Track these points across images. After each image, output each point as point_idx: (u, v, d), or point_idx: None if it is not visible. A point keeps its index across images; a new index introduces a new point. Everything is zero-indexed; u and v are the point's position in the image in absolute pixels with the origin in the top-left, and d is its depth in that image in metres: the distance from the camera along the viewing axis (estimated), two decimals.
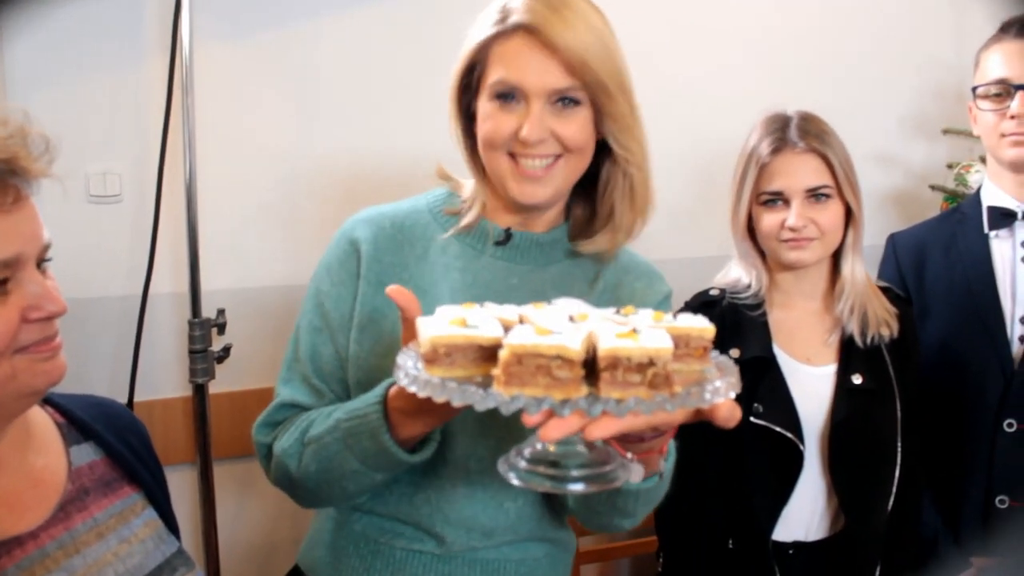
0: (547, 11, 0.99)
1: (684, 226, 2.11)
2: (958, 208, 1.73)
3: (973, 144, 2.10)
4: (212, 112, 1.73)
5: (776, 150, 1.42)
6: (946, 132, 2.29)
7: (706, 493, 1.46)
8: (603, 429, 0.69)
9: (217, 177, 1.75)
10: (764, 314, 1.47)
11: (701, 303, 1.48)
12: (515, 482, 0.77)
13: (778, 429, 1.39)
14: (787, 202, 1.42)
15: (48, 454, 0.92)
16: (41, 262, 0.84)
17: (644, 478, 0.94)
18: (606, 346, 0.68)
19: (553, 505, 1.16)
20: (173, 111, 1.67)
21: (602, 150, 1.08)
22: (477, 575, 1.11)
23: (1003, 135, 1.56)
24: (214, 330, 1.73)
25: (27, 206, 0.81)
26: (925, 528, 1.58)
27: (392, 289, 0.90)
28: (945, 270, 1.65)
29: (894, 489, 1.46)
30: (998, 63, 1.56)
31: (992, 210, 1.62)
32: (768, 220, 1.44)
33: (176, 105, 1.67)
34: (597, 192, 1.12)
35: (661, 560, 1.56)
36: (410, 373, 0.75)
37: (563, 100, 1.02)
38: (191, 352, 1.71)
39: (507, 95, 1.02)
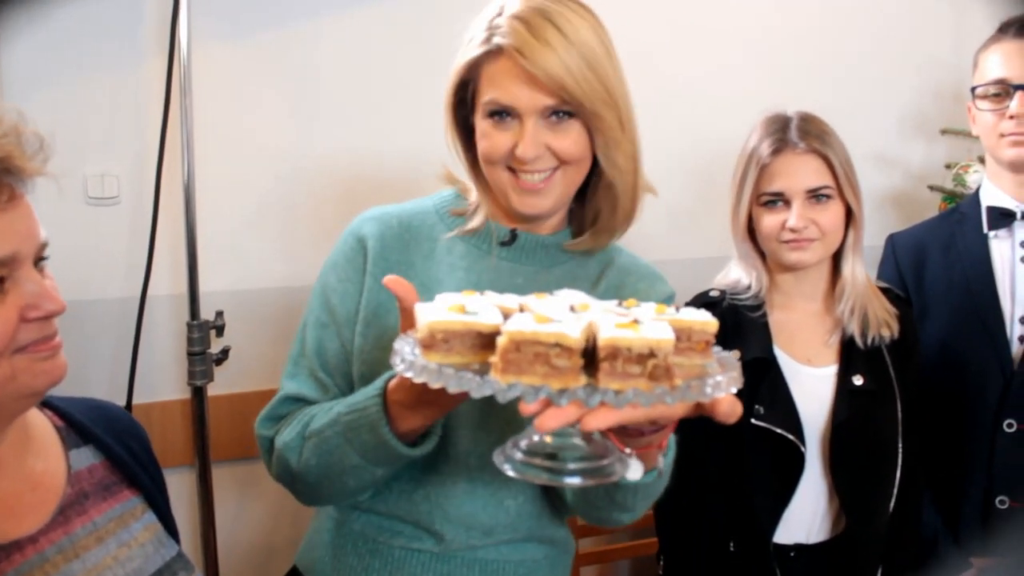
0: (527, 33, 0.99)
1: (684, 227, 2.11)
2: (957, 208, 1.73)
3: (972, 144, 2.10)
4: (211, 113, 1.72)
5: (777, 151, 1.42)
6: (945, 132, 2.29)
7: (707, 494, 1.45)
8: (600, 420, 0.68)
9: (216, 178, 1.75)
10: (764, 315, 1.47)
11: (701, 304, 1.47)
12: (510, 473, 0.76)
13: (779, 431, 1.39)
14: (788, 203, 1.42)
15: (47, 458, 0.91)
16: (39, 261, 0.84)
17: (643, 473, 0.93)
18: (606, 335, 0.67)
19: (553, 503, 1.16)
20: (171, 112, 1.66)
21: (596, 157, 1.09)
22: (476, 575, 1.11)
23: (1002, 135, 1.56)
24: (213, 332, 1.73)
25: (22, 204, 0.81)
26: (925, 528, 1.58)
27: (389, 279, 0.90)
28: (944, 270, 1.65)
29: (895, 490, 1.46)
30: (997, 63, 1.56)
31: (991, 210, 1.62)
32: (768, 221, 1.44)
33: (174, 106, 1.66)
34: (585, 197, 1.13)
35: (662, 563, 1.56)
36: (407, 359, 0.74)
37: (556, 114, 1.03)
38: (189, 354, 1.71)
39: (501, 113, 1.03)
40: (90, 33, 1.65)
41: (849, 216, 1.45)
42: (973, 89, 1.61)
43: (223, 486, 1.82)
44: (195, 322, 1.70)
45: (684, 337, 0.74)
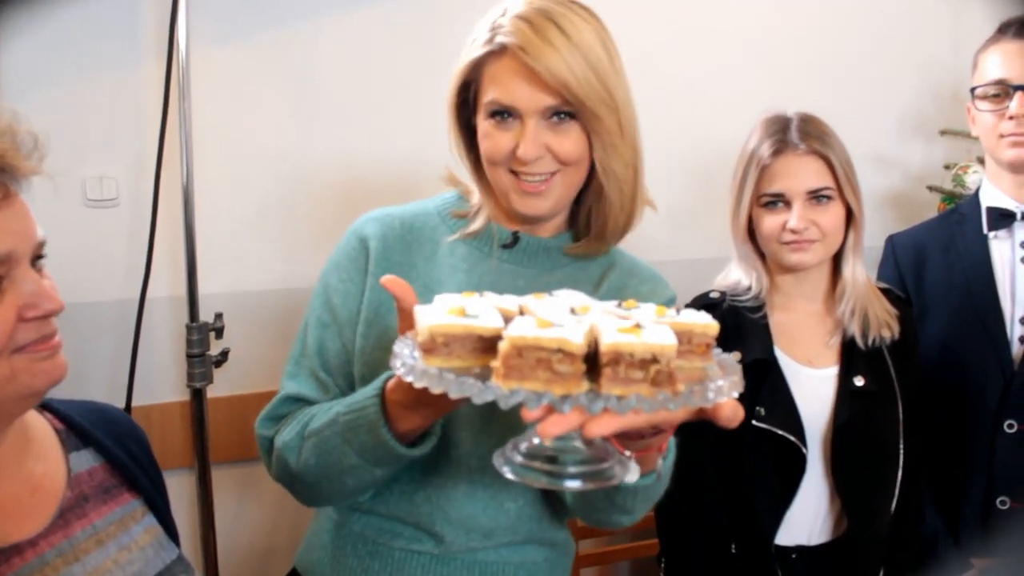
0: (531, 32, 0.99)
1: (683, 227, 2.11)
2: (957, 209, 1.73)
3: (970, 145, 2.10)
4: (210, 114, 1.72)
5: (777, 152, 1.42)
6: (944, 133, 2.29)
7: (708, 496, 1.45)
8: (603, 426, 0.68)
9: (215, 180, 1.74)
10: (765, 316, 1.47)
11: (701, 306, 1.47)
12: (510, 476, 0.75)
13: (780, 432, 1.39)
14: (788, 204, 1.42)
15: (47, 461, 0.91)
16: (36, 260, 0.83)
17: (643, 475, 0.93)
18: (609, 341, 0.67)
19: (553, 505, 1.15)
20: (170, 114, 1.66)
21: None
22: None
23: (1002, 136, 1.56)
24: (212, 334, 1.73)
25: (17, 203, 0.81)
26: (926, 529, 1.58)
27: (387, 279, 0.90)
28: (944, 271, 1.65)
29: (897, 491, 1.46)
30: (996, 64, 1.56)
31: (991, 211, 1.62)
32: (769, 222, 1.44)
33: (173, 108, 1.66)
34: (582, 200, 1.13)
35: (663, 564, 1.55)
36: (407, 363, 0.73)
37: (558, 115, 1.03)
38: (189, 356, 1.70)
39: (502, 113, 1.03)
40: (88, 35, 1.64)
41: (849, 217, 1.45)
42: (973, 90, 1.61)
43: (222, 488, 1.82)
44: (194, 324, 1.70)
45: (685, 340, 0.74)
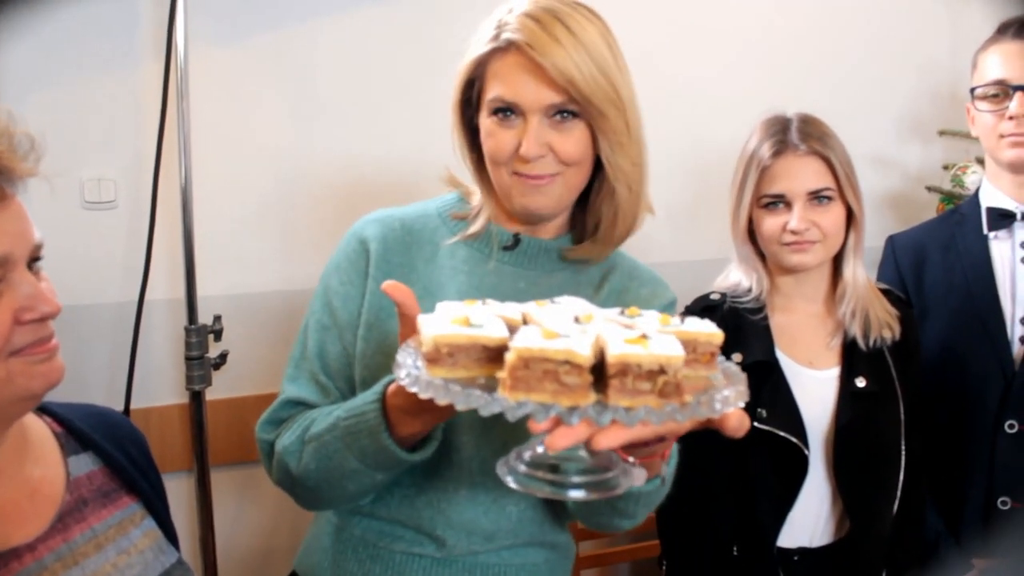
0: (538, 28, 0.99)
1: (683, 228, 2.11)
2: (957, 209, 1.73)
3: (969, 145, 2.11)
4: (208, 116, 1.71)
5: (777, 153, 1.41)
6: (942, 134, 2.29)
7: (709, 498, 1.45)
8: (611, 439, 0.68)
9: (213, 182, 1.74)
10: (765, 318, 1.46)
11: (702, 308, 1.47)
12: (514, 486, 0.75)
13: (782, 434, 1.39)
14: (789, 205, 1.42)
15: (46, 464, 0.91)
16: (33, 263, 0.83)
17: (647, 481, 0.93)
18: (616, 352, 0.66)
19: (555, 508, 1.15)
20: (169, 115, 1.65)
21: (599, 161, 1.08)
22: None
23: (1002, 136, 1.56)
24: (211, 336, 1.72)
25: (13, 205, 0.80)
26: (927, 530, 1.57)
27: (388, 284, 0.90)
28: (944, 271, 1.65)
29: (899, 492, 1.45)
30: (996, 64, 1.56)
31: (991, 211, 1.62)
32: (769, 223, 1.43)
33: (172, 109, 1.65)
34: (588, 202, 1.12)
35: (664, 567, 1.55)
36: (412, 373, 0.73)
37: (561, 113, 1.02)
38: (187, 359, 1.70)
39: (505, 110, 1.03)
40: (86, 35, 1.64)
41: (850, 218, 1.45)
42: (972, 90, 1.61)
43: (222, 491, 1.81)
44: (193, 326, 1.69)
45: (690, 349, 0.74)
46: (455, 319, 0.74)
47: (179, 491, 1.76)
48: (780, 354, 1.45)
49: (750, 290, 1.48)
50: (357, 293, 1.11)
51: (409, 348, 0.80)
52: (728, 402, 0.70)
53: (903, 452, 1.46)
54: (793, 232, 1.40)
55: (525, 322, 0.78)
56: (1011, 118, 1.53)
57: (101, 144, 1.68)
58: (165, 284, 1.74)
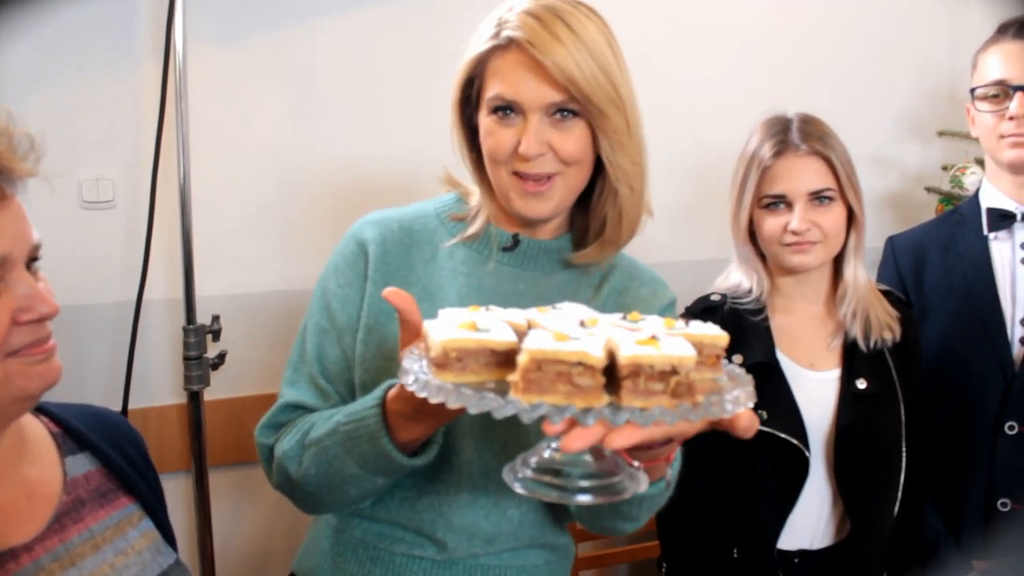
0: (538, 26, 0.98)
1: (683, 228, 2.11)
2: (957, 210, 1.72)
3: (968, 146, 2.11)
4: (207, 116, 1.71)
5: (778, 153, 1.41)
6: (941, 134, 2.29)
7: (710, 501, 1.44)
8: (624, 438, 0.68)
9: (212, 182, 1.74)
10: (766, 319, 1.46)
11: (702, 309, 1.47)
12: (520, 491, 0.75)
13: (783, 436, 1.38)
14: (789, 205, 1.42)
15: (43, 465, 0.90)
16: (31, 263, 0.82)
17: (651, 484, 0.92)
18: (628, 353, 0.66)
19: (555, 510, 1.15)
20: (167, 115, 1.65)
21: (599, 162, 1.08)
22: None
23: (1002, 136, 1.56)
24: (209, 336, 1.72)
25: (12, 205, 0.80)
26: (927, 531, 1.57)
27: (389, 291, 0.89)
28: (944, 272, 1.64)
29: (899, 494, 1.45)
30: (996, 64, 1.56)
31: (991, 212, 1.62)
32: (770, 224, 1.43)
33: (170, 109, 1.65)
34: (590, 204, 1.12)
35: (664, 568, 1.55)
36: (420, 378, 0.73)
37: (561, 112, 1.02)
38: (186, 359, 1.69)
39: (505, 109, 1.02)
40: (85, 35, 1.64)
41: (850, 218, 1.45)
42: (972, 90, 1.61)
43: (220, 491, 1.81)
44: (191, 326, 1.69)
45: (696, 352, 0.74)
46: (462, 324, 0.74)
47: (177, 492, 1.76)
48: (781, 355, 1.45)
49: (750, 291, 1.48)
50: (356, 296, 1.10)
51: (414, 354, 0.80)
52: (739, 402, 0.71)
53: (904, 453, 1.45)
54: (794, 232, 1.40)
55: (530, 327, 0.77)
56: (1011, 118, 1.53)
57: (100, 144, 1.68)
58: (163, 284, 1.74)
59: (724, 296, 1.49)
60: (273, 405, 1.11)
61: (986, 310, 1.58)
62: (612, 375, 0.69)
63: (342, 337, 1.09)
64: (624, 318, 0.80)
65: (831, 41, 2.23)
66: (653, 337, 0.70)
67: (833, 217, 1.41)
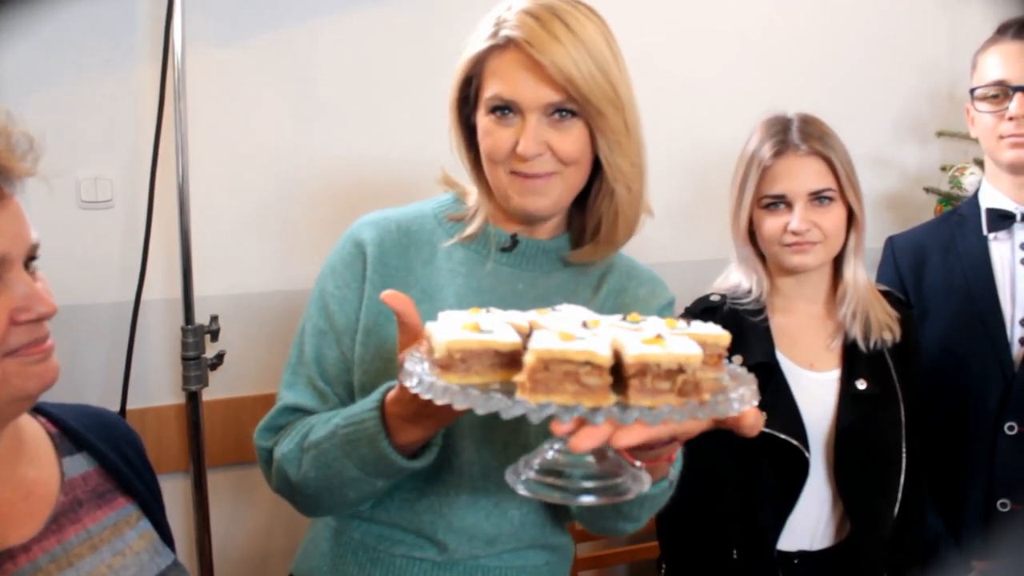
0: (537, 26, 0.98)
1: (682, 228, 2.11)
2: (956, 210, 1.72)
3: (967, 146, 2.11)
4: (205, 116, 1.71)
5: (778, 153, 1.41)
6: (940, 135, 2.29)
7: (709, 501, 1.44)
8: (632, 437, 0.67)
9: (210, 182, 1.73)
10: (766, 320, 1.46)
11: (702, 309, 1.47)
12: (524, 493, 0.75)
13: (783, 436, 1.38)
14: (790, 205, 1.41)
15: (40, 465, 0.90)
16: (29, 262, 0.82)
17: (653, 484, 0.92)
18: (635, 352, 0.66)
19: (556, 511, 1.14)
20: (166, 115, 1.65)
21: (598, 162, 1.07)
22: None
23: (1001, 137, 1.55)
24: (207, 337, 1.71)
25: (11, 205, 0.80)
26: (927, 531, 1.57)
27: (387, 294, 0.89)
28: (944, 272, 1.64)
29: (899, 494, 1.45)
30: (996, 65, 1.56)
31: (991, 212, 1.62)
32: (770, 224, 1.43)
33: (169, 109, 1.65)
34: (587, 204, 1.11)
35: (663, 569, 1.54)
36: (425, 380, 0.72)
37: (560, 112, 1.02)
38: (184, 359, 1.69)
39: (503, 108, 1.02)
40: (84, 35, 1.63)
41: (851, 219, 1.44)
42: (972, 91, 1.61)
43: (218, 492, 1.80)
44: (190, 326, 1.69)
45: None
46: (465, 325, 0.74)
47: (175, 492, 1.76)
48: (780, 356, 1.45)
49: (750, 291, 1.47)
50: (354, 297, 1.09)
51: (416, 356, 0.80)
52: (745, 400, 0.71)
53: (904, 454, 1.45)
54: (794, 233, 1.40)
55: (532, 329, 0.77)
56: (1011, 119, 1.53)
57: (98, 144, 1.67)
58: (162, 284, 1.74)
59: (724, 296, 1.49)
60: (272, 408, 1.10)
61: (986, 310, 1.58)
62: (617, 375, 0.69)
63: (341, 339, 1.09)
64: (624, 319, 0.80)
65: (831, 41, 2.23)
66: (659, 336, 0.70)
67: (833, 217, 1.41)
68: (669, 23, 2.06)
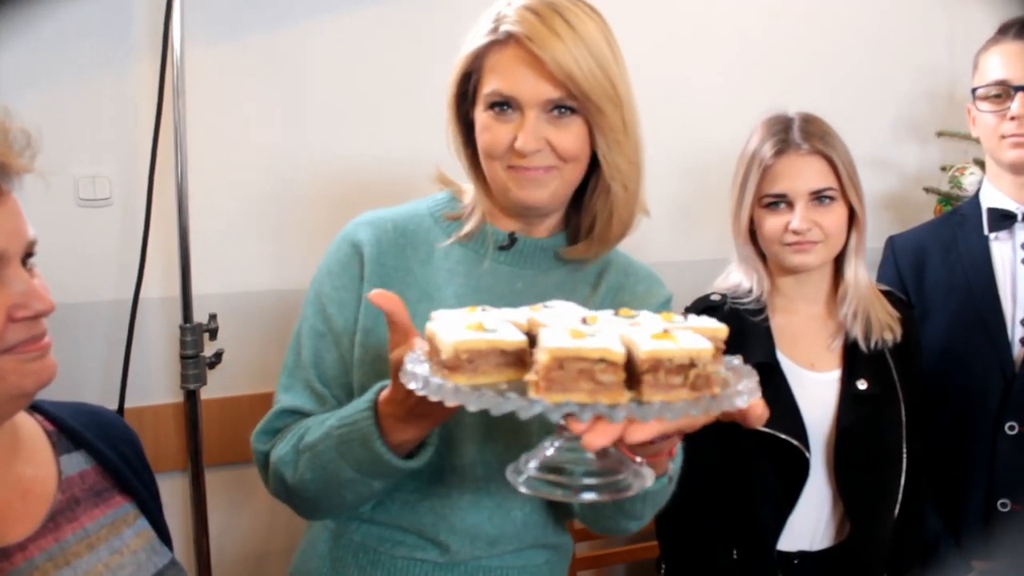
0: (537, 21, 0.98)
1: (682, 228, 2.11)
2: (957, 210, 1.72)
3: (967, 146, 2.11)
4: (204, 114, 1.71)
5: (779, 152, 1.40)
6: (940, 135, 2.29)
7: (710, 501, 1.44)
8: (644, 432, 0.68)
9: (209, 180, 1.73)
10: (766, 319, 1.45)
11: (703, 308, 1.46)
12: (525, 491, 0.74)
13: (784, 436, 1.38)
14: (791, 205, 1.41)
15: (37, 463, 0.90)
16: (27, 259, 0.82)
17: (654, 480, 0.92)
18: (647, 348, 0.67)
19: (558, 510, 1.14)
20: (164, 114, 1.64)
21: (595, 159, 1.07)
22: None
23: (1003, 137, 1.55)
24: (206, 335, 1.71)
25: (8, 202, 0.80)
26: (927, 531, 1.57)
27: (374, 293, 0.88)
28: (945, 272, 1.64)
29: (900, 495, 1.45)
30: (997, 64, 1.56)
31: (992, 212, 1.61)
32: (771, 223, 1.42)
33: (167, 108, 1.64)
34: (583, 202, 1.11)
35: (663, 569, 1.54)
36: (433, 382, 0.71)
37: (559, 108, 1.01)
38: (182, 357, 1.68)
39: (502, 104, 1.02)
40: (82, 34, 1.63)
41: (852, 218, 1.44)
42: (973, 91, 1.61)
43: (216, 491, 1.80)
44: (188, 325, 1.68)
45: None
46: (469, 325, 0.74)
47: (173, 491, 1.75)
48: (781, 356, 1.44)
49: (750, 291, 1.47)
50: (352, 298, 1.09)
51: (416, 356, 0.79)
52: (752, 392, 0.71)
53: (904, 454, 1.45)
54: (795, 232, 1.39)
55: (531, 326, 0.77)
56: (1012, 119, 1.53)
57: (96, 141, 1.67)
58: (160, 282, 1.73)
59: (724, 296, 1.49)
60: (269, 411, 1.10)
61: (987, 310, 1.58)
62: (631, 371, 0.69)
63: (339, 341, 1.08)
64: (616, 314, 0.80)
65: (831, 41, 2.23)
66: (667, 331, 0.70)
67: (834, 217, 1.41)
68: (669, 23, 2.06)
